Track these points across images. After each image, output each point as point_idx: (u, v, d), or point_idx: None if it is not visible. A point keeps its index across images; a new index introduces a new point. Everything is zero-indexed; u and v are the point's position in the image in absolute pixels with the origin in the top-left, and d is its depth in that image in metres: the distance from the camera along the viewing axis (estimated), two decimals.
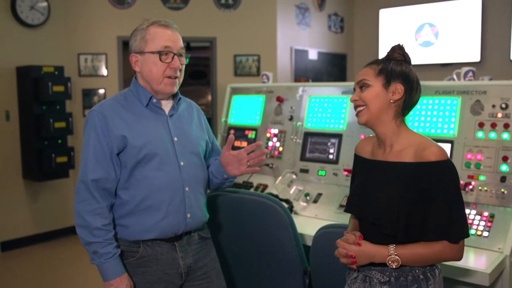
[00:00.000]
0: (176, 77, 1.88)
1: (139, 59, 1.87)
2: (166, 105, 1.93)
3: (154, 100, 1.89)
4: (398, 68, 1.59)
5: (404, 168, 1.54)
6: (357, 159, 1.75)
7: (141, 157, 1.80)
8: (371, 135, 1.73)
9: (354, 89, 1.65)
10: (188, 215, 1.87)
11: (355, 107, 1.64)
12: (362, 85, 1.60)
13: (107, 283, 1.77)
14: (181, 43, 1.89)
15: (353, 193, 1.70)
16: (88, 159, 1.78)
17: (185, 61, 1.92)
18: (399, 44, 1.65)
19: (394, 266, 1.52)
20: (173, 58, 1.85)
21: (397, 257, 1.51)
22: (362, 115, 1.61)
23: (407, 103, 1.60)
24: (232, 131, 3.35)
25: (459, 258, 1.55)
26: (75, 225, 1.79)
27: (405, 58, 1.62)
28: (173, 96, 1.96)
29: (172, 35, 1.87)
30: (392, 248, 1.52)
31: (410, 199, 1.51)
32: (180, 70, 1.90)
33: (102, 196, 1.78)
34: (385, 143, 1.61)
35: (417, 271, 1.55)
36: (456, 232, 1.51)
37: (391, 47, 1.65)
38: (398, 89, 1.57)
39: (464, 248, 1.55)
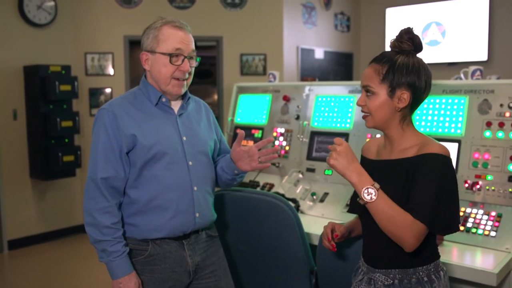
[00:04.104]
0: (184, 80, 1.88)
1: (150, 58, 1.86)
2: (176, 105, 1.93)
3: (164, 100, 1.88)
4: (404, 69, 1.50)
5: (406, 162, 1.51)
6: (363, 160, 1.73)
7: (151, 156, 1.80)
8: (377, 136, 1.72)
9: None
10: (197, 215, 1.87)
11: (362, 110, 1.60)
12: (367, 91, 1.55)
13: (116, 281, 1.77)
14: (192, 46, 1.88)
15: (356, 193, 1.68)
16: (97, 157, 1.78)
17: (195, 63, 1.91)
18: (408, 28, 1.53)
19: (364, 197, 1.44)
20: (183, 61, 1.84)
21: (374, 188, 1.43)
22: (368, 121, 1.59)
23: (415, 106, 1.57)
24: (238, 130, 3.34)
25: (411, 245, 1.42)
26: (84, 223, 1.80)
27: (415, 47, 1.54)
28: (183, 96, 1.95)
29: (184, 37, 1.85)
30: (377, 184, 1.47)
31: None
32: (190, 73, 1.89)
33: (111, 195, 1.78)
34: (392, 144, 1.60)
35: (421, 273, 1.52)
36: (424, 214, 1.42)
37: (398, 32, 1.54)
38: (404, 96, 1.51)
39: (420, 240, 1.43)
